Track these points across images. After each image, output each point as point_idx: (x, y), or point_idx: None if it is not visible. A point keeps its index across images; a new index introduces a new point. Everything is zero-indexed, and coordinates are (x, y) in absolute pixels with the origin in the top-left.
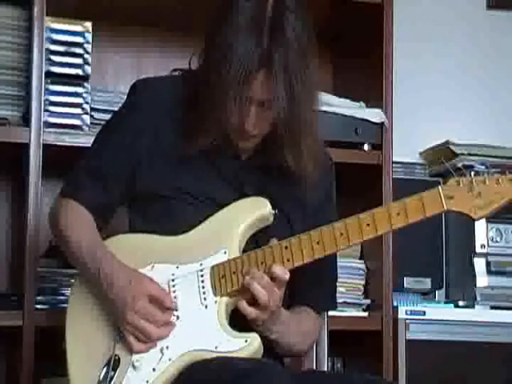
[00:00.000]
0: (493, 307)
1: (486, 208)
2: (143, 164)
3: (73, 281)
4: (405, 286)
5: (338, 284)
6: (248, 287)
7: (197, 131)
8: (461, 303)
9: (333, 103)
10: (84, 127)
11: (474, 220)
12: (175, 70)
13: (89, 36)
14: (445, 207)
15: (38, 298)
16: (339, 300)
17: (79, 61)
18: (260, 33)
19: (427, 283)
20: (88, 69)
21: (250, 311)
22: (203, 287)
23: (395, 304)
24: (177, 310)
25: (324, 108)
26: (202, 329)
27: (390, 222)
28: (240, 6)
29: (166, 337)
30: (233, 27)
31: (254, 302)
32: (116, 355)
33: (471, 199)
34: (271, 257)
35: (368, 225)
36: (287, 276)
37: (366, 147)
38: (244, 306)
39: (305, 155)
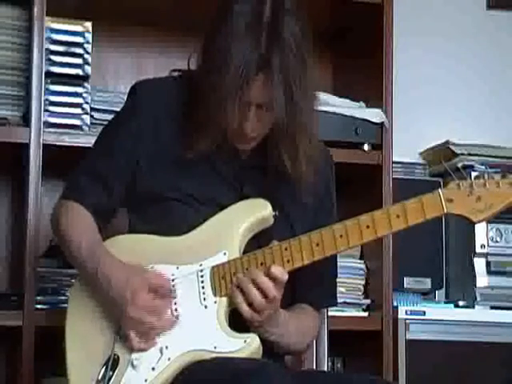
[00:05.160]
0: (493, 307)
1: (486, 211)
2: (143, 166)
3: (73, 281)
4: (405, 285)
5: (338, 284)
6: (243, 289)
7: (196, 134)
8: (461, 303)
9: (333, 103)
10: (84, 127)
11: (473, 223)
12: (174, 70)
13: (89, 36)
14: (445, 210)
15: (38, 298)
16: (339, 300)
17: (79, 61)
18: (258, 36)
19: (427, 283)
20: (88, 69)
21: (246, 311)
22: (203, 287)
23: (395, 304)
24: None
25: (324, 108)
26: (202, 329)
27: (390, 224)
28: (238, 9)
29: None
30: (231, 31)
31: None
32: (115, 354)
33: (471, 202)
34: (271, 258)
35: (368, 227)
36: (285, 277)
37: (365, 147)
38: (241, 304)
39: (301, 157)
